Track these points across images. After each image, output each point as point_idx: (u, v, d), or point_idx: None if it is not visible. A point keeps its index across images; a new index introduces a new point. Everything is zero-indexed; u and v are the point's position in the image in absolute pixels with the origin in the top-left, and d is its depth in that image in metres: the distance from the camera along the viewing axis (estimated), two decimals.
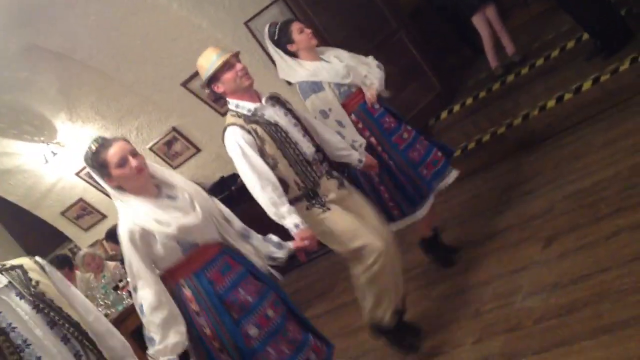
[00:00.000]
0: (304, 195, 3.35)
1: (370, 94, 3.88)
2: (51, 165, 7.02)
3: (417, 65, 6.05)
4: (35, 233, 8.46)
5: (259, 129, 3.26)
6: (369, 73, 3.95)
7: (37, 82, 6.26)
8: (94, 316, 2.50)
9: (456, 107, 5.94)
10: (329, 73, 3.82)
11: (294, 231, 3.15)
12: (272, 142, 3.27)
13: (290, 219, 3.17)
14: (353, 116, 3.88)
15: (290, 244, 3.07)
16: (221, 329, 2.72)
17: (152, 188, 2.81)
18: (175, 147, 6.87)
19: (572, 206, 3.76)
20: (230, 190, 6.38)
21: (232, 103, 3.34)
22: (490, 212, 4.42)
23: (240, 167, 3.25)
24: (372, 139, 3.88)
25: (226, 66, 3.26)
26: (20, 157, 7.01)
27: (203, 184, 6.89)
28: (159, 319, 2.66)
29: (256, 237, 3.02)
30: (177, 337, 2.67)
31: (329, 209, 3.36)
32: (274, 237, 3.07)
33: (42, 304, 2.29)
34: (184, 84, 5.96)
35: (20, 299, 2.27)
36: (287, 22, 3.91)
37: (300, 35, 3.80)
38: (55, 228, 7.94)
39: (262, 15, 5.60)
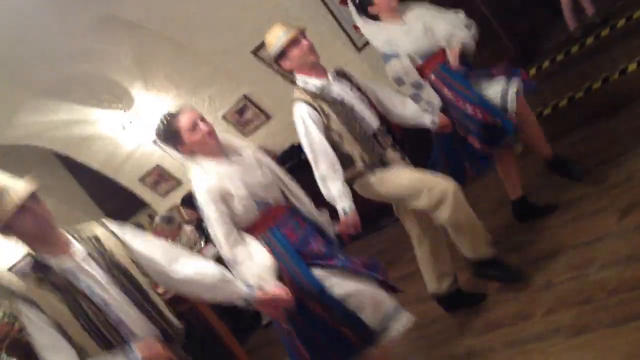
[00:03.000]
0: (371, 167, 3.41)
1: (452, 57, 3.76)
2: (129, 133, 7.26)
3: (492, 28, 5.85)
4: (115, 198, 8.80)
5: (325, 106, 3.36)
6: (451, 33, 3.80)
7: (113, 52, 6.45)
8: (188, 258, 2.65)
9: (532, 71, 5.73)
10: (406, 40, 3.76)
11: (341, 215, 3.26)
12: (338, 118, 3.36)
13: (340, 202, 3.28)
14: (433, 76, 3.80)
15: (335, 226, 3.21)
16: (297, 273, 2.89)
17: (221, 153, 2.98)
18: (247, 115, 6.96)
19: None
20: (300, 158, 6.42)
21: (300, 79, 3.45)
22: (567, 181, 4.27)
23: (303, 142, 3.38)
24: (451, 95, 3.77)
25: (293, 43, 3.37)
26: (100, 125, 7.27)
27: (274, 151, 7.00)
28: (252, 262, 2.84)
29: (308, 207, 3.14)
30: (272, 261, 2.86)
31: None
32: (325, 213, 3.20)
33: (116, 272, 2.43)
34: (255, 52, 6.00)
35: (98, 267, 2.41)
36: None
37: None
38: (134, 194, 8.24)
39: None
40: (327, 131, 3.35)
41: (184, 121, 2.94)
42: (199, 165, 2.94)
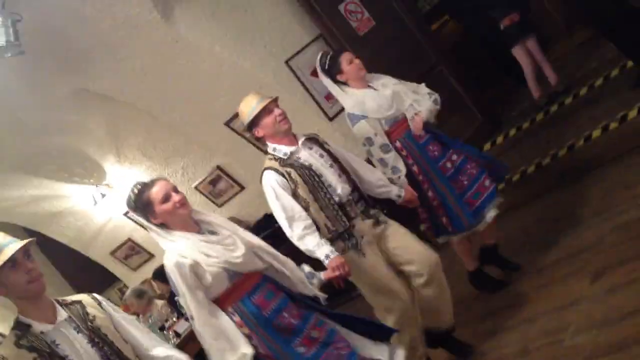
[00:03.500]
0: (338, 237, 3.42)
1: (415, 123, 3.90)
2: (100, 207, 7.19)
3: (459, 98, 6.02)
4: (85, 273, 8.63)
5: (293, 172, 3.40)
6: (416, 101, 3.96)
7: (86, 125, 6.46)
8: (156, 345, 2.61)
9: (499, 139, 5.87)
10: (374, 103, 3.87)
11: (325, 262, 3.26)
12: (305, 185, 3.40)
13: (320, 251, 3.29)
14: (398, 143, 3.92)
15: (322, 275, 3.17)
16: (276, 347, 2.83)
17: (194, 225, 2.95)
18: (220, 185, 6.96)
19: (621, 239, 3.63)
20: (273, 227, 6.39)
21: (271, 147, 3.52)
22: (537, 246, 4.31)
23: (273, 208, 3.42)
24: (415, 168, 3.90)
25: (265, 111, 3.44)
26: (71, 199, 7.21)
27: (247, 221, 6.97)
28: (226, 341, 2.79)
29: (289, 266, 3.09)
30: (249, 348, 2.79)
31: (363, 254, 3.43)
32: (305, 267, 3.16)
33: (97, 338, 2.43)
34: (227, 123, 6.04)
35: (78, 332, 2.41)
36: (337, 52, 4.04)
37: (349, 65, 3.91)
38: (105, 268, 8.09)
39: (303, 53, 5.68)
40: (295, 198, 3.38)
41: (155, 191, 2.91)
42: (170, 237, 2.90)
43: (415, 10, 6.38)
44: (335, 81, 3.95)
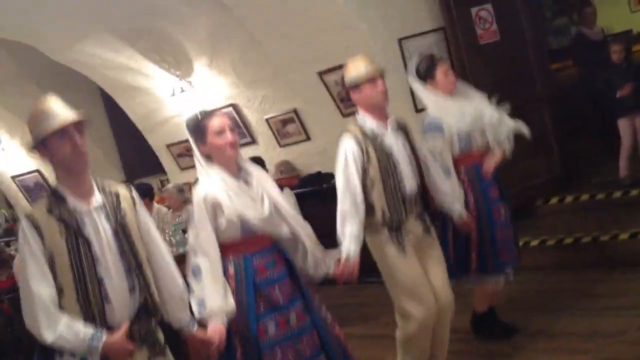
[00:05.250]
0: (387, 225, 3.38)
1: (489, 163, 3.88)
2: (176, 99, 7.34)
3: (547, 143, 5.90)
4: (137, 154, 8.91)
5: (372, 151, 3.36)
6: (505, 139, 3.90)
7: (193, 21, 6.57)
8: (165, 257, 2.64)
9: (569, 198, 5.74)
10: (455, 116, 3.82)
11: (343, 257, 3.23)
12: (378, 166, 3.35)
13: (348, 244, 3.27)
14: (462, 169, 3.87)
15: (333, 267, 3.15)
16: (244, 313, 2.83)
17: (235, 168, 2.96)
18: (289, 127, 7.02)
19: None
20: (321, 187, 6.46)
21: (361, 115, 3.47)
22: (563, 312, 4.26)
23: (338, 174, 3.40)
24: (471, 198, 3.86)
25: (370, 80, 3.38)
26: (153, 81, 7.36)
27: (299, 170, 7.04)
28: (215, 282, 2.80)
29: (311, 241, 3.08)
30: (231, 303, 2.81)
31: (404, 252, 3.38)
32: (317, 253, 3.11)
33: (122, 234, 2.46)
34: (320, 74, 6.07)
35: (107, 222, 2.44)
36: (436, 60, 3.98)
37: (443, 77, 3.88)
38: (156, 157, 8.31)
39: (418, 38, 5.64)
40: (364, 173, 3.35)
41: (214, 122, 2.91)
42: (209, 170, 2.93)
43: (543, 43, 6.23)
44: (424, 85, 3.91)
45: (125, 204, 2.52)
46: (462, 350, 4.04)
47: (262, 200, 2.92)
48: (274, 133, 7.16)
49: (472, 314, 4.20)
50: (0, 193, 10.71)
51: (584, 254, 5.06)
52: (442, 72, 3.87)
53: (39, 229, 2.33)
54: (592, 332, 3.84)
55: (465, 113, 3.81)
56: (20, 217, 2.41)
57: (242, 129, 7.21)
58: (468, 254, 3.87)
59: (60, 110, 2.40)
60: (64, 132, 2.36)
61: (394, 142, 3.41)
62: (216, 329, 2.73)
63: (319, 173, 6.84)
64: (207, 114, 2.99)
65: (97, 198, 2.46)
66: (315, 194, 6.39)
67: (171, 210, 6.27)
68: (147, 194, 6.61)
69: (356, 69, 3.42)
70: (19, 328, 6.02)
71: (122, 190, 2.57)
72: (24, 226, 2.34)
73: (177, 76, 7.15)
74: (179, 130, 7.69)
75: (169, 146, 8.01)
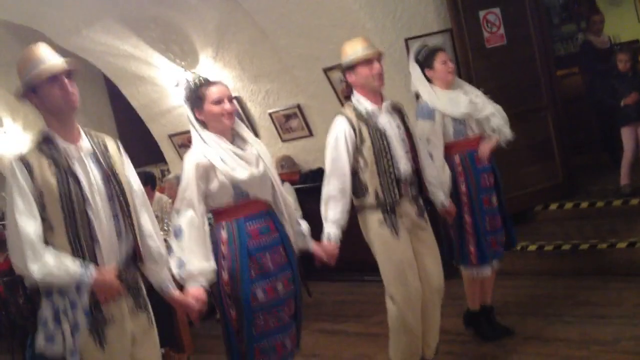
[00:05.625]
0: (380, 207, 3.39)
1: (485, 147, 3.90)
2: (179, 90, 7.33)
3: (549, 149, 5.90)
4: (138, 142, 8.88)
5: (365, 130, 3.37)
6: (501, 125, 3.93)
7: (201, 12, 6.55)
8: (146, 213, 2.64)
9: (568, 205, 5.75)
10: (447, 103, 3.85)
11: (324, 238, 3.29)
12: (372, 146, 3.35)
13: (329, 227, 3.32)
14: (457, 158, 3.90)
15: (312, 245, 3.21)
16: (237, 278, 2.87)
17: (230, 137, 3.00)
18: (292, 122, 7.02)
19: (636, 349, 3.57)
20: (322, 183, 6.44)
21: (355, 96, 3.48)
22: (557, 318, 4.27)
23: (327, 154, 3.42)
24: (463, 187, 3.89)
25: (366, 61, 3.39)
26: (157, 71, 7.35)
27: (300, 166, 7.04)
28: (196, 244, 2.83)
29: (292, 214, 3.14)
30: (211, 265, 2.86)
31: (397, 235, 3.39)
32: (303, 224, 3.19)
33: (112, 179, 2.49)
34: (326, 70, 6.07)
35: (96, 166, 2.47)
36: (436, 49, 4.03)
37: (442, 65, 3.91)
38: (158, 146, 8.31)
39: (425, 39, 5.60)
40: (356, 153, 3.36)
41: (213, 91, 2.95)
42: (204, 136, 2.94)
43: (549, 50, 6.23)
44: (424, 74, 3.95)
45: (113, 154, 2.55)
46: (455, 351, 4.06)
47: (257, 161, 2.96)
48: (276, 127, 7.16)
49: (465, 310, 4.21)
50: (1, 176, 10.71)
51: (580, 261, 5.06)
52: (440, 60, 3.90)
53: (29, 167, 2.36)
54: (585, 340, 3.85)
55: (459, 102, 3.85)
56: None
57: (244, 122, 7.20)
58: (464, 243, 3.90)
59: (50, 57, 2.44)
60: (54, 77, 2.40)
61: (387, 123, 3.43)
62: (194, 294, 2.77)
63: (320, 169, 6.83)
64: (206, 82, 3.03)
65: (86, 143, 2.50)
66: (315, 190, 6.34)
67: (171, 200, 6.27)
68: (149, 182, 6.63)
69: (352, 49, 3.44)
70: (14, 311, 6.03)
71: (109, 141, 2.61)
72: (14, 166, 2.37)
73: (182, 67, 7.14)
74: (182, 121, 7.68)
75: (171, 136, 8.02)
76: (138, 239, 2.55)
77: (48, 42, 2.57)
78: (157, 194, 6.63)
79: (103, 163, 2.49)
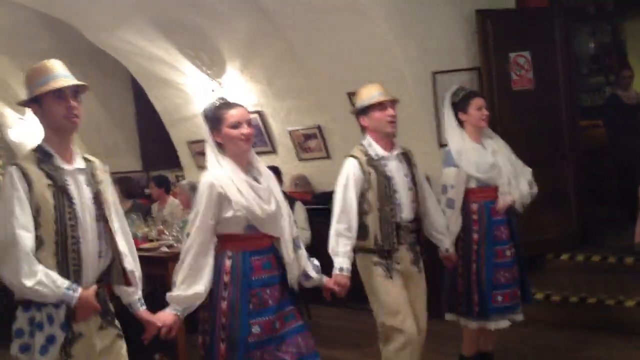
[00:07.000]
0: (378, 252, 3.46)
1: (502, 203, 3.85)
2: (204, 98, 7.37)
3: (566, 198, 5.85)
4: (155, 144, 8.95)
5: (373, 175, 3.44)
6: (513, 184, 3.90)
7: (230, 22, 6.56)
8: (122, 235, 2.66)
9: (580, 257, 5.68)
10: (472, 159, 3.83)
11: (335, 271, 3.31)
12: (377, 192, 3.43)
13: (339, 259, 3.36)
14: (474, 205, 3.86)
15: (325, 279, 3.18)
16: (236, 309, 2.82)
17: (245, 162, 2.95)
18: (311, 142, 7.02)
19: None
20: (332, 205, 6.42)
21: (367, 140, 3.56)
22: None
23: (337, 193, 3.51)
24: (475, 236, 3.85)
25: (380, 106, 3.48)
26: (183, 77, 7.40)
27: (313, 187, 7.02)
28: (193, 271, 2.81)
29: (302, 251, 3.10)
30: (194, 291, 2.81)
31: (391, 277, 3.46)
32: (315, 261, 3.16)
33: (100, 200, 2.54)
34: (350, 94, 6.06)
35: (87, 186, 2.52)
36: (473, 93, 4.03)
37: (476, 112, 3.89)
38: (175, 152, 8.34)
39: (452, 74, 5.62)
40: (362, 197, 3.43)
41: (231, 114, 2.90)
42: (220, 160, 2.90)
43: (575, 99, 6.21)
44: (456, 116, 3.94)
45: (99, 172, 2.59)
46: None
47: (270, 197, 2.91)
48: (294, 146, 7.16)
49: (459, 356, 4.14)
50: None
51: (587, 314, 4.99)
52: (476, 105, 3.88)
53: (28, 178, 2.37)
54: None
55: (484, 164, 3.83)
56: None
57: (264, 136, 7.22)
58: (470, 294, 3.85)
59: (61, 72, 2.47)
60: (60, 94, 2.42)
61: (395, 169, 3.49)
62: (163, 316, 2.77)
63: (332, 192, 6.80)
64: (226, 104, 2.99)
65: (79, 162, 2.53)
66: (326, 213, 6.34)
67: (180, 207, 6.29)
68: (162, 185, 6.64)
69: (367, 93, 3.53)
70: None
71: (98, 162, 2.65)
72: (13, 173, 2.38)
73: (209, 75, 7.18)
74: (202, 129, 7.70)
75: (189, 143, 8.04)
76: (122, 260, 2.59)
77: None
78: (171, 198, 6.68)
79: (93, 183, 2.53)
